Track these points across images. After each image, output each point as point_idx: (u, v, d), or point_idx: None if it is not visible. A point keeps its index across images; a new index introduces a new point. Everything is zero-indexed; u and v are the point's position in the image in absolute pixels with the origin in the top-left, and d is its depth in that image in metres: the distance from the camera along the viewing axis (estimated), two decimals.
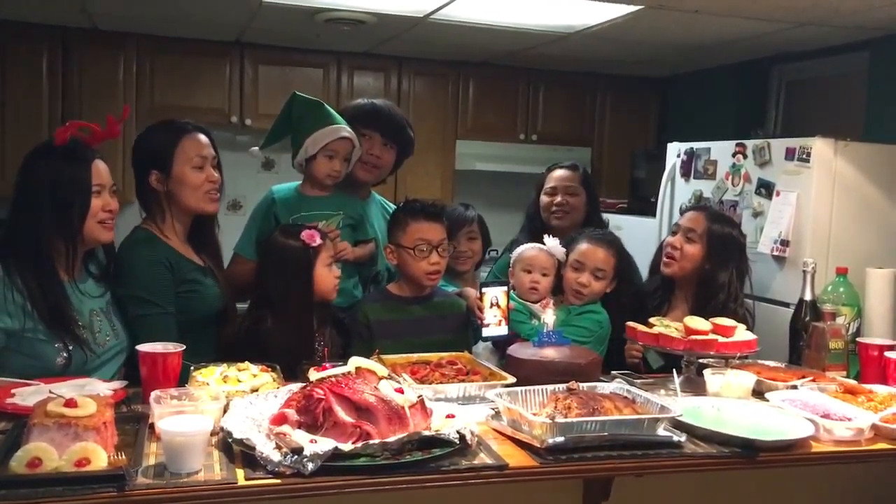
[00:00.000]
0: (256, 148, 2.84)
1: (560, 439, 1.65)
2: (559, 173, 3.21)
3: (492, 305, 2.47)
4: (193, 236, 2.41)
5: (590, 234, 2.78)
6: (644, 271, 3.06)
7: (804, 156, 3.08)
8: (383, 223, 2.84)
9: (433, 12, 3.74)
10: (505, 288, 2.51)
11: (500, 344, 2.50)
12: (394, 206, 3.02)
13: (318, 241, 2.34)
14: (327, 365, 1.85)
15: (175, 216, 2.34)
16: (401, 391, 1.70)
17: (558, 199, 3.14)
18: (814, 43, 4.03)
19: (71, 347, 2.02)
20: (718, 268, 2.65)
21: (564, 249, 2.70)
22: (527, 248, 2.73)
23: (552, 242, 2.70)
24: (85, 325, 2.09)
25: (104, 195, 2.13)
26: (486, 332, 2.48)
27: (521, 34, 4.14)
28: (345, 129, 2.65)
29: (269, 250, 2.38)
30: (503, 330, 2.49)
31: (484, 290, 2.49)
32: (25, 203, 2.06)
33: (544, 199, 3.18)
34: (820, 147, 3.06)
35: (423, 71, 5.05)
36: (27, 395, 1.79)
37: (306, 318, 2.30)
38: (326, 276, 2.34)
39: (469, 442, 1.63)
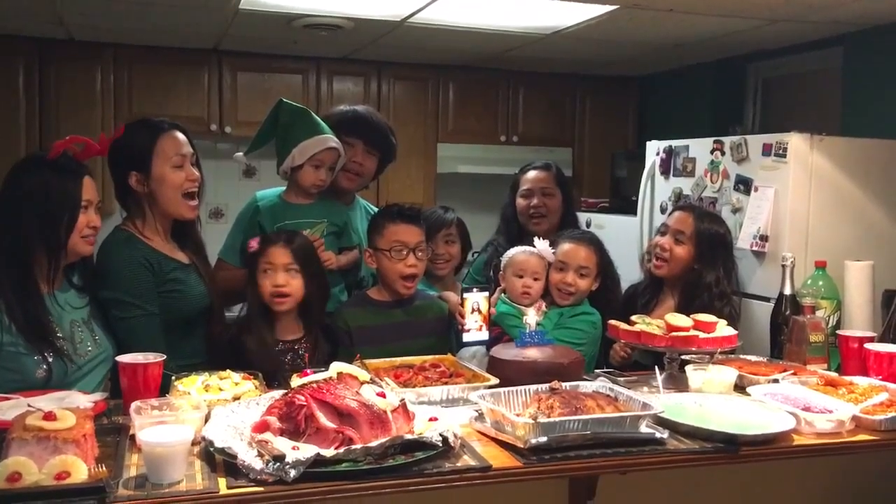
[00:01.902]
0: (241, 154, 2.84)
1: (543, 439, 1.65)
2: (533, 175, 3.20)
3: (473, 311, 2.47)
4: (176, 234, 2.40)
5: (570, 235, 2.80)
6: (627, 269, 3.07)
7: (781, 151, 3.11)
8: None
9: (410, 16, 3.75)
10: (486, 293, 2.51)
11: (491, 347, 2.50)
12: (376, 209, 3.03)
13: (254, 246, 2.37)
14: (309, 371, 1.85)
15: (156, 216, 2.32)
16: (383, 395, 1.70)
17: (535, 201, 3.14)
18: (788, 39, 4.06)
19: (51, 360, 2.00)
20: (706, 268, 2.68)
21: (554, 251, 2.71)
22: (517, 253, 2.72)
23: (542, 245, 2.70)
24: (65, 336, 2.07)
25: (90, 211, 2.12)
26: (466, 338, 2.49)
27: (498, 36, 4.16)
28: (332, 140, 2.66)
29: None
30: (484, 335, 2.49)
31: (465, 295, 2.49)
32: (10, 213, 2.04)
33: (521, 202, 3.18)
34: (796, 142, 3.09)
35: (403, 75, 5.06)
36: (6, 409, 1.77)
37: (255, 323, 2.31)
38: (261, 283, 2.33)
39: (452, 444, 1.63)
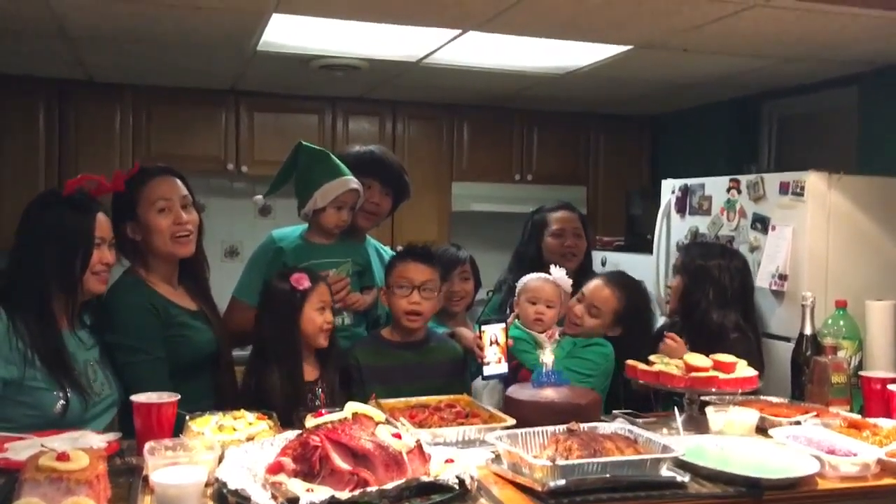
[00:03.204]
0: (261, 196, 2.86)
1: (561, 482, 1.62)
2: (563, 215, 3.20)
3: (491, 343, 2.46)
4: (185, 280, 2.39)
5: (608, 273, 2.80)
6: None
7: (798, 190, 3.09)
8: (379, 266, 2.84)
9: (425, 57, 3.79)
10: (503, 325, 2.50)
11: (509, 380, 2.48)
12: (388, 249, 3.04)
13: (307, 284, 2.33)
14: (324, 411, 1.83)
15: (157, 263, 2.32)
16: (398, 436, 1.68)
17: (568, 242, 3.15)
18: (803, 78, 4.07)
19: (70, 395, 2.00)
20: (692, 290, 2.77)
21: (570, 280, 2.69)
22: (532, 279, 2.70)
23: (559, 273, 2.68)
24: (81, 373, 2.07)
25: (103, 248, 2.13)
26: (486, 371, 2.46)
27: (512, 76, 4.19)
28: (353, 181, 2.67)
29: (263, 294, 2.39)
30: (503, 368, 2.47)
31: (483, 328, 2.48)
32: (28, 251, 2.06)
33: (551, 241, 3.16)
34: (814, 181, 3.07)
35: (418, 114, 5.09)
36: (20, 449, 1.76)
37: (294, 362, 2.28)
38: (314, 320, 2.32)
39: (469, 487, 1.61)
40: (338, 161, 2.71)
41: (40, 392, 1.99)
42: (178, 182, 2.34)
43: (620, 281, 2.74)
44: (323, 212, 2.65)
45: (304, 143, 2.73)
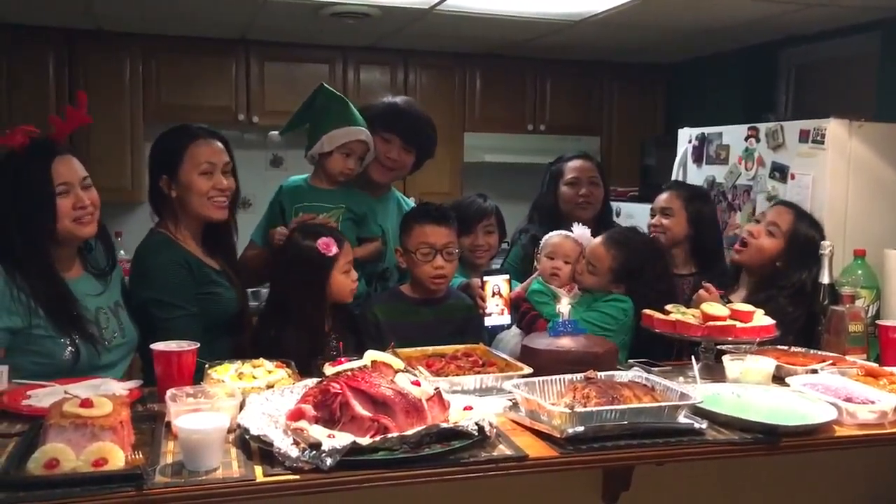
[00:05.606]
0: (276, 132, 2.86)
1: (580, 429, 1.62)
2: (579, 164, 3.16)
3: (494, 294, 2.46)
4: (208, 240, 2.39)
5: (610, 231, 2.73)
6: None
7: (818, 138, 3.05)
8: (396, 221, 2.83)
9: (438, 3, 3.72)
10: (506, 276, 2.51)
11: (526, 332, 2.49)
12: (411, 201, 3.01)
13: (334, 249, 2.29)
14: (343, 359, 1.84)
15: (187, 221, 2.33)
16: (417, 384, 1.68)
17: (583, 190, 3.11)
18: (822, 24, 3.99)
19: (78, 342, 2.01)
20: (795, 265, 2.56)
21: (590, 238, 2.67)
22: (553, 235, 2.72)
23: (580, 230, 2.68)
24: (91, 320, 2.07)
25: (74, 192, 2.05)
26: (489, 322, 2.48)
27: (526, 23, 4.12)
28: (363, 133, 2.65)
29: (285, 251, 2.36)
30: (506, 319, 2.48)
31: (486, 278, 2.49)
32: (4, 209, 2.01)
33: (567, 190, 3.13)
34: (834, 128, 3.03)
35: (429, 64, 5.03)
36: (42, 396, 1.78)
37: (318, 321, 2.29)
38: (343, 283, 2.32)
39: (488, 433, 1.61)
40: (353, 110, 2.69)
41: (48, 340, 1.99)
42: (223, 147, 2.35)
43: (618, 239, 2.64)
44: (329, 156, 2.64)
45: (325, 85, 2.72)
